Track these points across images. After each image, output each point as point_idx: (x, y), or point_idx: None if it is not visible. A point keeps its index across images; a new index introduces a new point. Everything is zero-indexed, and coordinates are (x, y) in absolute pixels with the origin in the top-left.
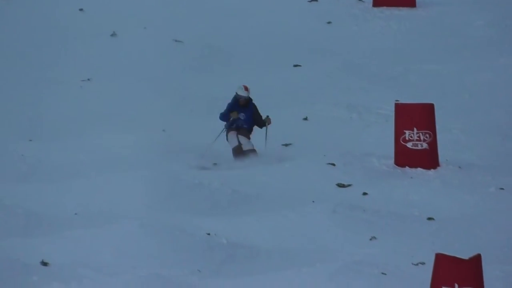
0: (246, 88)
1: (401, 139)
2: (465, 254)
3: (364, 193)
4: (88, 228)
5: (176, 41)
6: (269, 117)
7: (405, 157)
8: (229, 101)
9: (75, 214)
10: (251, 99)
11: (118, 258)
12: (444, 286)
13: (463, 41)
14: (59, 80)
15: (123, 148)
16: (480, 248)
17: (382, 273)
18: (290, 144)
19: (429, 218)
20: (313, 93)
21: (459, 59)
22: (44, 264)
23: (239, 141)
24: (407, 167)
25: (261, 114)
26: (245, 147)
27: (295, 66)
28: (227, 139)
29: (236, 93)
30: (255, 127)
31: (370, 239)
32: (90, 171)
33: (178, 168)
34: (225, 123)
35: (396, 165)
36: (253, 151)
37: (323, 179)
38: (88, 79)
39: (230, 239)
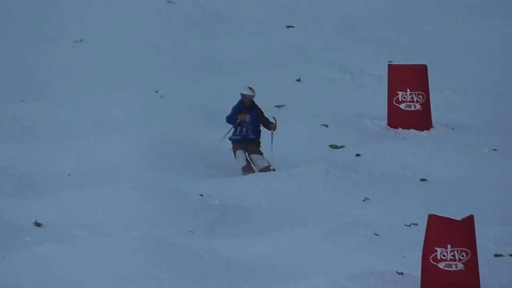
0: (250, 88)
1: (394, 100)
2: (457, 215)
3: (357, 155)
4: (81, 189)
5: (168, 1)
6: (275, 123)
7: (398, 118)
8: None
9: (68, 175)
10: (257, 105)
11: (111, 218)
12: (437, 246)
13: (456, 2)
14: (51, 41)
15: (116, 109)
16: (473, 209)
17: (375, 234)
18: (283, 105)
19: (422, 179)
20: (306, 54)
21: (452, 20)
22: (37, 224)
23: (246, 161)
24: (400, 128)
25: (267, 117)
26: (261, 164)
27: (288, 27)
28: (234, 155)
29: (241, 93)
30: (263, 130)
31: (363, 200)
32: (83, 132)
33: (171, 129)
34: (230, 137)
35: (389, 126)
36: (268, 169)
37: (316, 140)
38: (81, 40)
39: (223, 200)
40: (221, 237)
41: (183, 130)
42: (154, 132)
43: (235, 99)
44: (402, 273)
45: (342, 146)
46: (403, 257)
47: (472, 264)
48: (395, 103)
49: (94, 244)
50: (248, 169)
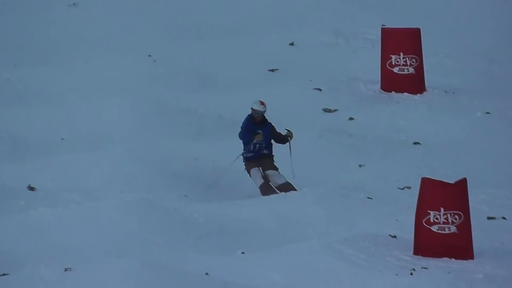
0: (262, 103)
1: (387, 64)
2: (451, 178)
3: (351, 118)
4: (75, 153)
5: None
6: (291, 130)
7: (391, 82)
8: (243, 119)
9: (62, 139)
10: (267, 120)
11: (105, 182)
12: (430, 210)
13: None
14: (44, 4)
15: (109, 73)
16: (466, 172)
17: (368, 198)
18: (276, 69)
19: (415, 143)
20: (300, 18)
21: None
22: (31, 188)
23: (263, 178)
24: (393, 92)
25: (279, 132)
26: (278, 181)
27: None
28: (248, 173)
29: (252, 108)
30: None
31: (360, 166)
32: (77, 96)
33: (165, 93)
34: (243, 154)
35: (383, 90)
36: (287, 185)
37: (309, 104)
38: (74, 4)
39: (217, 163)
40: (215, 201)
41: (177, 94)
42: (148, 96)
43: (228, 63)
44: (395, 236)
45: (335, 110)
46: (396, 220)
47: (465, 227)
48: (388, 67)
49: (88, 208)
50: (266, 188)
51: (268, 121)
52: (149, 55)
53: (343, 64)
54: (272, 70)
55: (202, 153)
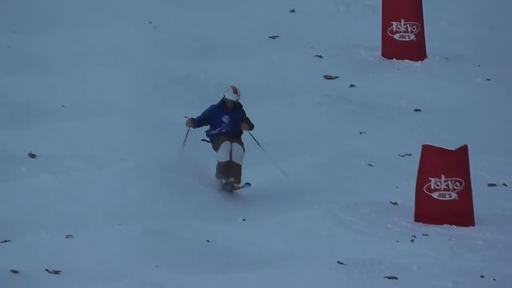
0: (235, 91)
1: (388, 30)
2: (451, 145)
3: (351, 85)
4: (76, 120)
5: None
6: (246, 124)
7: (392, 49)
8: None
9: (63, 106)
10: (241, 105)
11: (106, 150)
12: (431, 176)
13: None
14: None
15: (110, 40)
16: (467, 138)
17: (369, 165)
18: (277, 36)
19: (416, 110)
20: None
21: None
22: (32, 155)
23: (230, 154)
24: (394, 58)
25: (248, 117)
26: (237, 158)
27: None
28: (215, 148)
29: (224, 95)
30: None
31: (361, 133)
32: (78, 63)
33: (165, 60)
34: (206, 132)
35: (383, 56)
36: (239, 169)
37: (310, 71)
38: None
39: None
40: (215, 169)
41: (177, 61)
42: (149, 63)
43: (229, 30)
44: (396, 203)
45: (336, 77)
46: (397, 187)
47: (465, 194)
48: (389, 34)
49: (89, 175)
50: (224, 170)
51: (242, 107)
52: (150, 22)
53: (343, 31)
54: (273, 37)
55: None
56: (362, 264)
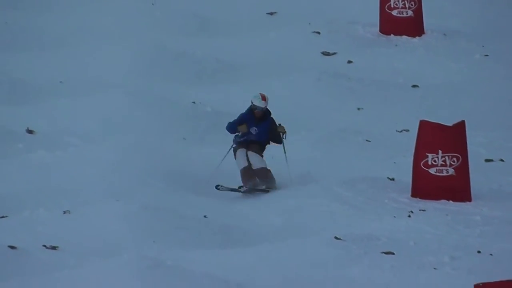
0: (263, 98)
1: (386, 6)
2: (449, 120)
3: (349, 61)
4: (74, 96)
5: None
6: (283, 126)
7: (390, 25)
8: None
9: (60, 82)
10: (269, 112)
11: (104, 126)
12: (428, 152)
13: None
14: None
15: (108, 16)
16: (464, 114)
17: (367, 141)
18: (275, 12)
19: (414, 86)
20: None
21: None
22: (30, 131)
23: (248, 161)
24: (392, 34)
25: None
26: (256, 165)
27: None
28: (235, 158)
29: (252, 102)
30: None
31: (358, 109)
32: (75, 39)
33: (163, 36)
34: (233, 139)
35: (381, 33)
36: (265, 171)
37: (307, 47)
38: None
39: (215, 107)
40: (213, 144)
41: (175, 37)
42: (146, 40)
43: (227, 7)
44: (393, 179)
45: (334, 53)
46: (394, 163)
47: (463, 170)
48: (387, 10)
49: (86, 151)
50: (248, 174)
51: (270, 115)
52: None
53: (341, 7)
54: (271, 13)
55: (201, 97)
56: (359, 240)
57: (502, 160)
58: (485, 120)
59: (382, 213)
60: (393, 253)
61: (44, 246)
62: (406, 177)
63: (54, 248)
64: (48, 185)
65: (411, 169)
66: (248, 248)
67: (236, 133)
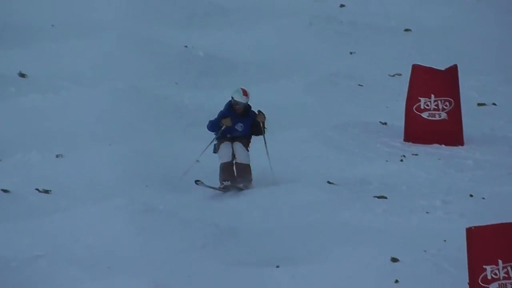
0: (245, 93)
1: None
2: (441, 64)
3: (341, 5)
4: (65, 40)
5: None
6: (262, 112)
7: None
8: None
9: (52, 25)
10: (250, 106)
11: (96, 70)
12: (421, 96)
13: None
14: None
15: None
16: (457, 58)
17: (359, 85)
18: None
19: (406, 30)
20: None
21: None
22: (22, 75)
23: (233, 155)
24: None
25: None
26: (239, 158)
27: None
28: (216, 151)
29: (232, 97)
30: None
31: (351, 54)
32: None
33: None
34: (214, 134)
35: None
36: (245, 168)
37: None
38: None
39: (207, 51)
40: (205, 89)
41: None
42: None
43: None
44: (385, 123)
45: None
46: (387, 107)
47: (455, 114)
48: None
49: (79, 95)
50: (227, 171)
51: (251, 110)
52: None
53: None
54: None
55: (192, 41)
56: (352, 184)
57: (494, 104)
58: (478, 64)
59: (374, 158)
60: (386, 197)
61: (37, 189)
62: (398, 121)
63: (46, 191)
64: (41, 129)
65: (404, 114)
66: (241, 194)
67: (218, 130)
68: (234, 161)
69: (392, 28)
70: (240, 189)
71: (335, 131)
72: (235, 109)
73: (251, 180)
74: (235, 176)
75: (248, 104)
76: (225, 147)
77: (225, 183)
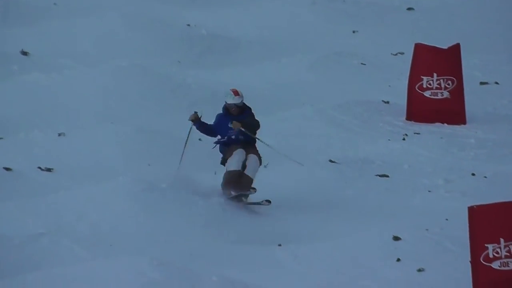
0: (236, 93)
1: None
2: (444, 43)
3: None
4: (68, 18)
5: None
6: (237, 121)
7: None
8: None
9: (54, 4)
10: (249, 108)
11: (99, 48)
12: (423, 75)
13: None
14: None
15: None
16: (459, 37)
17: (362, 63)
18: None
19: (409, 8)
20: None
21: None
22: (24, 53)
23: (243, 165)
24: None
25: (257, 120)
26: (249, 171)
27: None
28: (224, 153)
29: (225, 102)
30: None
31: (353, 32)
32: None
33: None
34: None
35: None
36: (250, 182)
37: None
38: None
39: (210, 30)
40: (208, 67)
41: None
42: None
43: None
44: (388, 102)
45: None
46: (389, 86)
47: (458, 92)
48: None
49: (82, 74)
50: (232, 181)
51: (249, 108)
52: None
53: None
54: None
55: (196, 19)
56: (354, 163)
57: (497, 83)
58: (480, 43)
59: (376, 136)
60: (388, 176)
61: (39, 168)
62: (401, 100)
63: (49, 170)
64: (43, 107)
65: (406, 92)
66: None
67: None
68: (243, 171)
69: (395, 7)
70: (248, 195)
71: (337, 110)
72: (231, 112)
73: (248, 195)
74: (239, 186)
75: (245, 104)
76: (238, 156)
77: (233, 193)
